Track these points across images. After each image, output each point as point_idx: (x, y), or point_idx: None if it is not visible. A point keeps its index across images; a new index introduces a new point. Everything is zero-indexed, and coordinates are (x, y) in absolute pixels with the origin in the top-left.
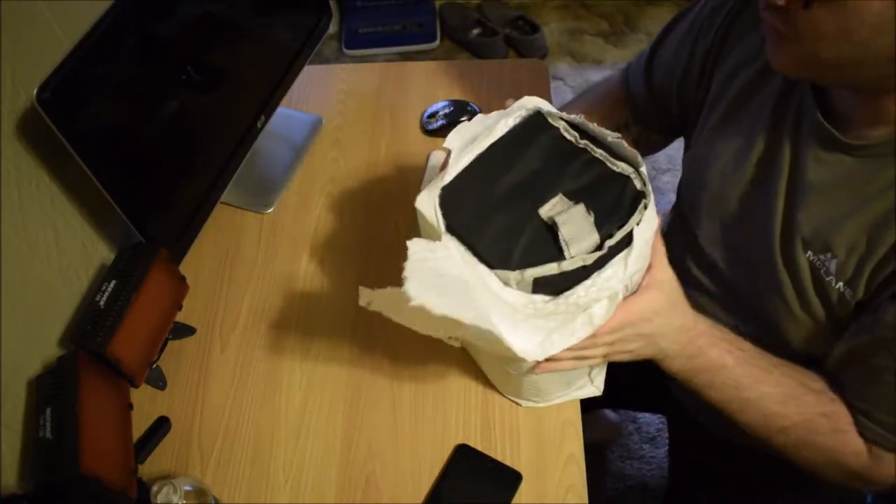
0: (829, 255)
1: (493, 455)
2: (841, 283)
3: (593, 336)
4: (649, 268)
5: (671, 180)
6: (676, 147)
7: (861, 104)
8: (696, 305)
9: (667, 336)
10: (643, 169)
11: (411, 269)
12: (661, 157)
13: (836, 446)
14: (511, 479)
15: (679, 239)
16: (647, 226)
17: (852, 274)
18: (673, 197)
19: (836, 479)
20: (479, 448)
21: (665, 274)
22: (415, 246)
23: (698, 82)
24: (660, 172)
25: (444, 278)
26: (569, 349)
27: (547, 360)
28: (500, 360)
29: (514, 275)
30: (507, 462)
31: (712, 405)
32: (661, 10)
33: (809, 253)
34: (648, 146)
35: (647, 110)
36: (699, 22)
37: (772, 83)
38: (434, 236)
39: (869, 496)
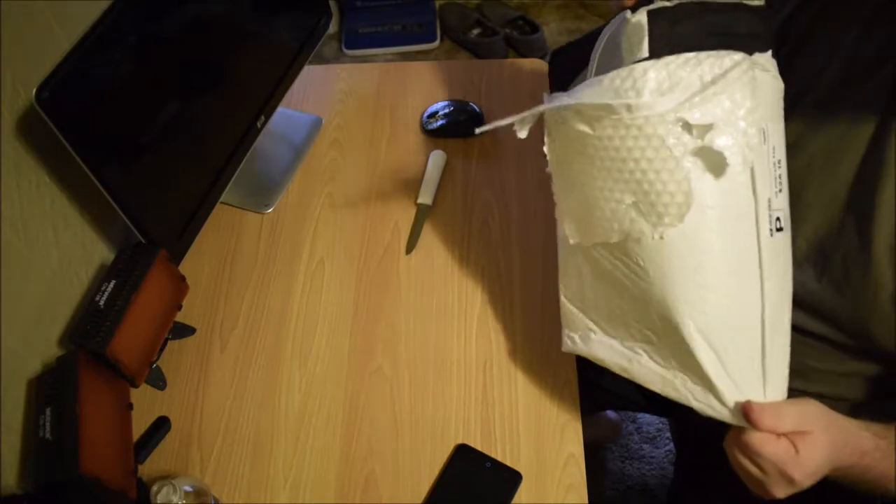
0: None
1: (493, 455)
2: None
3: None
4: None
5: None
6: None
7: None
8: None
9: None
10: None
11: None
12: None
13: None
14: (511, 479)
15: None
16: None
17: None
18: None
19: None
20: (479, 448)
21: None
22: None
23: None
24: None
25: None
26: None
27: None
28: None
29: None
30: (507, 462)
31: None
32: None
33: None
34: None
35: None
36: None
37: (882, 70)
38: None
39: (878, 500)
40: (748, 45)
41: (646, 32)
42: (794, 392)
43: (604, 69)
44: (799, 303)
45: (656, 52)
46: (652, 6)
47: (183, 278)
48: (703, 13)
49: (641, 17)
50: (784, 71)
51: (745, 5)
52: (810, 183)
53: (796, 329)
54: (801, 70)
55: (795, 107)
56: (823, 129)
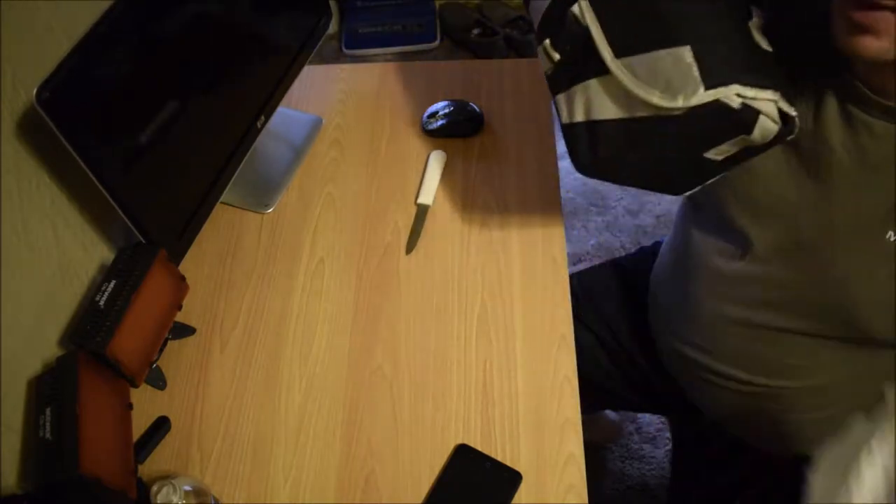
0: None
1: (493, 455)
2: None
3: None
4: None
5: None
6: None
7: None
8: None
9: None
10: None
11: None
12: None
13: None
14: (511, 479)
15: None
16: None
17: None
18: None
19: None
20: (479, 448)
21: None
22: None
23: None
24: None
25: None
26: None
27: None
28: None
29: None
30: (507, 462)
31: None
32: None
33: (891, 233)
34: None
35: None
36: None
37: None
38: None
39: None
40: None
41: None
42: (784, 389)
43: None
44: (777, 303)
45: None
46: None
47: (183, 278)
48: None
49: None
50: None
51: None
52: (778, 175)
53: (776, 329)
54: None
55: None
56: None
